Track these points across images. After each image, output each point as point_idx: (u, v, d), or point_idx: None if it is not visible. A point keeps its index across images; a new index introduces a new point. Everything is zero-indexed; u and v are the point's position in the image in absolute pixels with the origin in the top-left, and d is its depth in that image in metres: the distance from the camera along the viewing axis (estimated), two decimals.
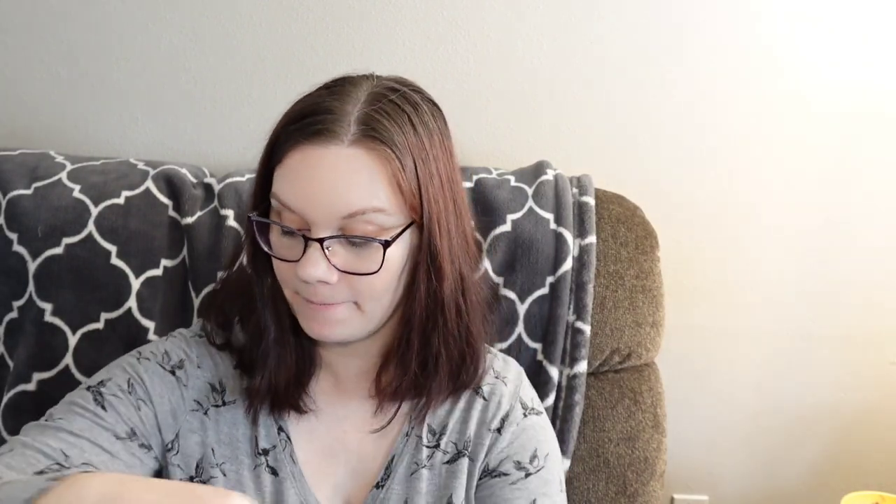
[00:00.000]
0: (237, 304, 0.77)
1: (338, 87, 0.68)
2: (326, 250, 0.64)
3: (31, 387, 0.93)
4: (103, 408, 0.70)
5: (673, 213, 1.16)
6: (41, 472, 0.62)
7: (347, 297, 0.67)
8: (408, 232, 0.67)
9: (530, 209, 0.97)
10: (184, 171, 1.01)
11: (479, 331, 0.76)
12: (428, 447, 0.75)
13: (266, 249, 0.68)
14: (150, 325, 0.94)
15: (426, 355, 0.72)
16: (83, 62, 1.12)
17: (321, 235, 0.64)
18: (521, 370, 0.83)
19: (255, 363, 0.73)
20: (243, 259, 0.76)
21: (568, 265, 0.95)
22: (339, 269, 0.65)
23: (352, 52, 1.12)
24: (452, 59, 1.13)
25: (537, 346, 0.96)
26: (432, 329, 0.71)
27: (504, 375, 0.80)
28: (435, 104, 0.73)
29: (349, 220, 0.64)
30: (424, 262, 0.68)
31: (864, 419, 1.26)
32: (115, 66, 1.12)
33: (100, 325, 0.94)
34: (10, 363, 0.95)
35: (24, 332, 0.94)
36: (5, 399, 0.93)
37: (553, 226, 0.97)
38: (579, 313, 0.96)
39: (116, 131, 1.14)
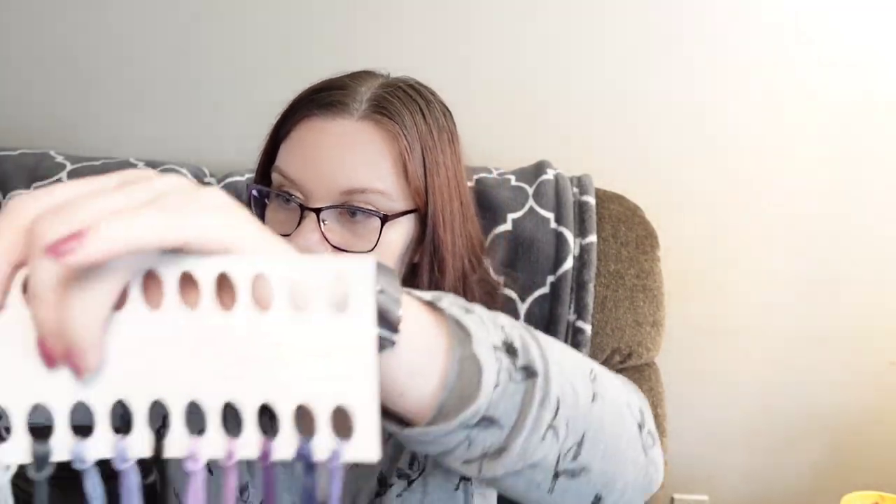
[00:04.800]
0: None
1: (354, 73, 0.69)
2: (322, 223, 0.63)
3: None
4: None
5: (673, 213, 1.16)
6: None
7: None
8: (409, 220, 0.66)
9: (531, 208, 0.97)
10: (184, 171, 1.01)
11: None
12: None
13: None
14: None
15: None
16: (83, 62, 1.12)
17: (318, 205, 0.63)
18: None
19: None
20: None
21: (569, 264, 0.95)
22: (332, 245, 0.63)
23: (352, 52, 1.12)
24: (453, 59, 1.13)
25: None
26: None
27: None
28: (447, 108, 0.72)
29: (348, 196, 0.63)
30: (427, 254, 0.67)
31: (864, 419, 1.26)
32: (115, 66, 1.12)
33: None
34: None
35: None
36: None
37: (553, 225, 0.96)
38: (580, 313, 0.95)
39: (116, 131, 1.14)
